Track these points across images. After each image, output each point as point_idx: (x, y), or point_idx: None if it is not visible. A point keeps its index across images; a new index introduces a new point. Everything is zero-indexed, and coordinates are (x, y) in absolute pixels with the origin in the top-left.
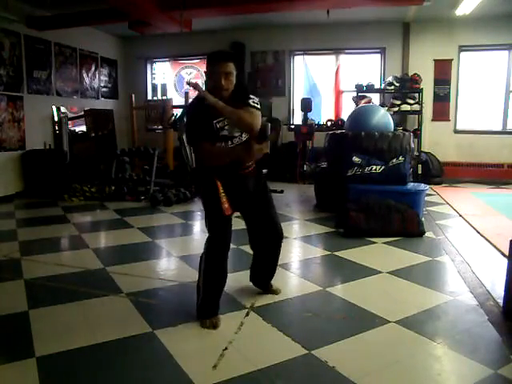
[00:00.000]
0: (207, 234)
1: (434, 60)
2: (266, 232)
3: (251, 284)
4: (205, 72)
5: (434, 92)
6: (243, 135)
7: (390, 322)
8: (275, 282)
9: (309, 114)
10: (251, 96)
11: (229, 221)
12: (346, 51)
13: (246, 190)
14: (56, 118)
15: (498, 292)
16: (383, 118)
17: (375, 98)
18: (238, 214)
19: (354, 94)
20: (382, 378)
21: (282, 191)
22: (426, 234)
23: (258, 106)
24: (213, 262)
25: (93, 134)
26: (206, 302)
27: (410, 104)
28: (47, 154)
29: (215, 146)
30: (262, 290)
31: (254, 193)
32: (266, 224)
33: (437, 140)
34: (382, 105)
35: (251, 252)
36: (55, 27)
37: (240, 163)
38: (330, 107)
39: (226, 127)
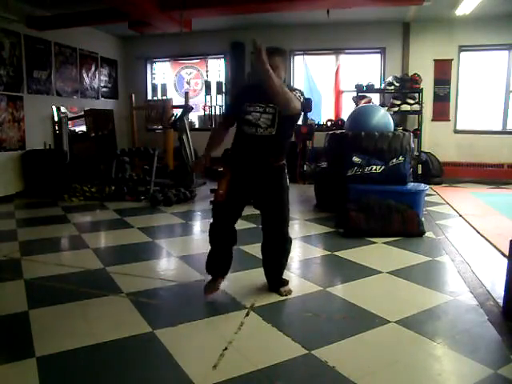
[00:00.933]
0: (207, 234)
1: (434, 60)
2: (268, 234)
3: (251, 284)
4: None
5: (434, 92)
6: (269, 130)
7: (390, 322)
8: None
9: (309, 114)
10: (297, 89)
11: (226, 207)
12: (346, 51)
13: (258, 185)
14: (56, 118)
15: (498, 292)
16: (383, 118)
17: (375, 98)
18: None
19: (354, 94)
20: (382, 378)
21: None
22: (426, 234)
23: (301, 99)
24: (212, 238)
25: (93, 134)
26: (209, 259)
27: (410, 104)
28: (47, 154)
29: (242, 129)
30: (272, 287)
31: (267, 190)
32: (270, 227)
33: (437, 140)
34: (382, 105)
35: (251, 252)
36: (55, 27)
37: (261, 157)
38: (330, 107)
39: (254, 114)
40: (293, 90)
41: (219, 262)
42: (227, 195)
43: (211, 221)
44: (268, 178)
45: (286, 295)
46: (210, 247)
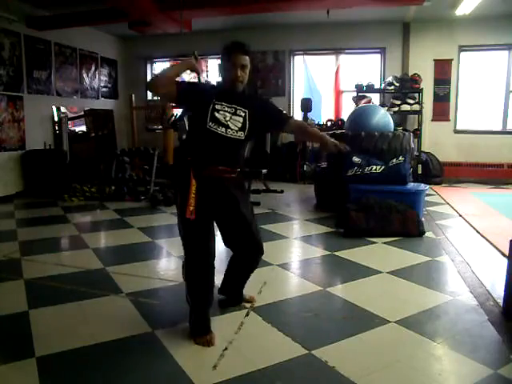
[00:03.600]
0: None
1: (434, 60)
2: (246, 247)
3: (251, 284)
4: (219, 64)
5: (434, 92)
6: (239, 133)
7: (390, 321)
8: (273, 280)
9: (309, 113)
10: (281, 109)
11: (201, 227)
12: (346, 51)
13: (225, 198)
14: (56, 118)
15: (498, 292)
16: (383, 117)
17: (375, 98)
18: None
19: (354, 93)
20: (382, 378)
21: (282, 191)
22: (426, 234)
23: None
24: (195, 277)
25: (93, 134)
26: (197, 319)
27: (410, 104)
28: (47, 153)
29: (209, 129)
30: (234, 301)
31: (234, 203)
32: (247, 240)
33: (437, 140)
34: (382, 105)
35: None
36: (55, 27)
37: (228, 163)
38: (330, 107)
39: (222, 112)
40: (273, 107)
41: (207, 310)
42: (197, 211)
43: (186, 257)
44: (236, 189)
45: (255, 300)
46: (193, 301)
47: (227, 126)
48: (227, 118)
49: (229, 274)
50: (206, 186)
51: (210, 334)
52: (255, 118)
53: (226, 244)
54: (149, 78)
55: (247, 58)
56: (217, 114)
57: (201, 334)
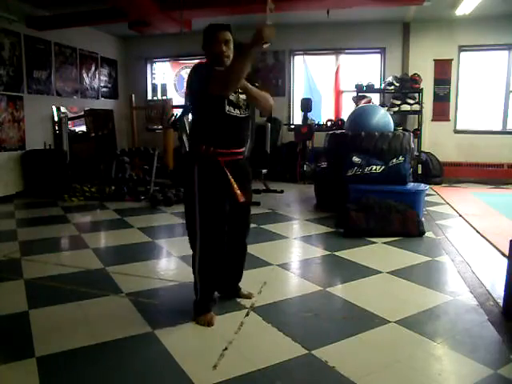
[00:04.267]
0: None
1: (434, 60)
2: (236, 240)
3: (251, 284)
4: (203, 47)
5: (434, 92)
6: (248, 110)
7: (390, 321)
8: (273, 280)
9: (309, 114)
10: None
11: (223, 208)
12: (346, 51)
13: (242, 177)
14: (56, 118)
15: (498, 292)
16: (383, 117)
17: (375, 98)
18: None
19: (354, 94)
20: (381, 378)
21: (282, 191)
22: (426, 234)
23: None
24: (210, 265)
25: (93, 134)
26: (202, 299)
27: (410, 104)
28: (47, 153)
29: (228, 114)
30: (231, 295)
31: (248, 182)
32: (236, 235)
33: (437, 140)
34: (382, 105)
35: (251, 252)
36: (55, 27)
37: (241, 144)
38: (330, 107)
39: (235, 95)
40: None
41: (214, 291)
42: (216, 199)
43: (206, 244)
44: (248, 171)
45: (252, 296)
46: (201, 279)
47: (240, 107)
48: (238, 99)
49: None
50: (229, 169)
51: (211, 313)
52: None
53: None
54: (149, 78)
55: (228, 33)
56: (231, 97)
57: (203, 312)
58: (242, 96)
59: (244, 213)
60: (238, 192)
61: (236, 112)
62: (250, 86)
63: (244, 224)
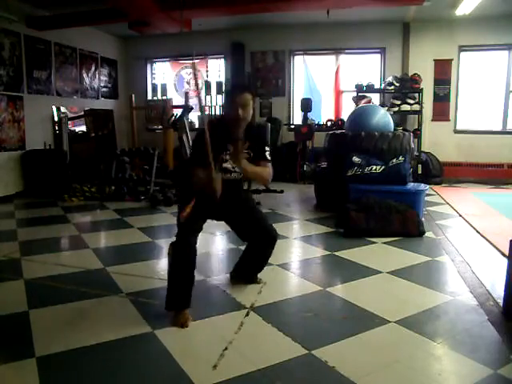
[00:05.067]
0: (203, 234)
1: (434, 60)
2: (258, 236)
3: (251, 284)
4: (223, 104)
5: (434, 92)
6: (241, 173)
7: (390, 321)
8: (273, 280)
9: (309, 114)
10: (267, 148)
11: (193, 227)
12: (346, 51)
13: (226, 202)
14: (56, 118)
15: (498, 292)
16: (383, 117)
17: (375, 98)
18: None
19: (354, 94)
20: (381, 378)
21: (281, 191)
22: (426, 234)
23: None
24: (178, 263)
25: (93, 134)
26: (171, 294)
27: (410, 104)
28: (47, 153)
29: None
30: (246, 281)
31: (235, 204)
32: (256, 229)
33: (437, 140)
34: (382, 105)
35: None
36: (55, 27)
37: (231, 197)
38: (330, 107)
39: (230, 161)
40: (265, 150)
41: (188, 288)
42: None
43: (175, 239)
44: (238, 202)
45: (262, 282)
46: (172, 276)
47: (234, 171)
48: (234, 165)
49: (245, 260)
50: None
51: (186, 312)
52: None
53: (242, 239)
54: (149, 78)
55: (248, 95)
56: (225, 165)
57: (177, 308)
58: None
59: (246, 222)
60: (187, 211)
61: (227, 176)
62: (249, 167)
63: (253, 229)
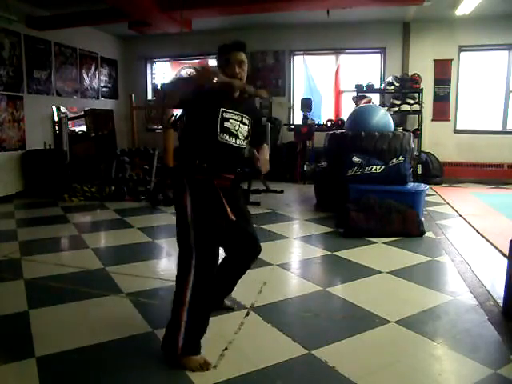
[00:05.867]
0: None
1: (434, 60)
2: (245, 247)
3: (251, 284)
4: (218, 67)
5: (434, 92)
6: (246, 141)
7: (390, 321)
8: (273, 280)
9: (309, 113)
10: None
11: (218, 233)
12: (346, 51)
13: (237, 203)
14: (56, 118)
15: (498, 292)
16: (383, 117)
17: (375, 98)
18: None
19: (354, 93)
20: (381, 378)
21: (282, 191)
22: (426, 234)
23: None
24: (205, 294)
25: (93, 134)
26: (192, 337)
27: (410, 104)
28: (47, 153)
29: (220, 141)
30: (214, 308)
31: (238, 205)
32: (247, 239)
33: (437, 140)
34: (382, 105)
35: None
36: (55, 27)
37: (233, 170)
38: (330, 107)
39: (232, 121)
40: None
41: (205, 327)
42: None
43: (201, 269)
44: (240, 190)
45: (235, 306)
46: (192, 315)
47: (237, 136)
48: (236, 128)
49: (221, 280)
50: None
51: (202, 355)
52: (252, 124)
53: (226, 250)
54: (149, 78)
55: (243, 54)
56: (226, 124)
57: (195, 352)
58: (244, 128)
59: (248, 237)
60: (229, 210)
61: (232, 140)
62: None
63: (251, 248)
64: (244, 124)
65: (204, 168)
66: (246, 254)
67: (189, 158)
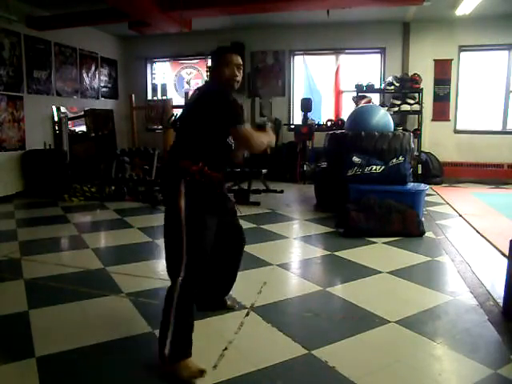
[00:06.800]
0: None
1: (434, 60)
2: (232, 238)
3: (251, 284)
4: (209, 66)
5: (434, 92)
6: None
7: (390, 321)
8: (273, 280)
9: (309, 113)
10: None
11: (206, 253)
12: (346, 51)
13: (223, 198)
14: (56, 118)
15: (498, 292)
16: (383, 117)
17: (375, 98)
18: None
19: (354, 94)
20: (382, 378)
21: (281, 191)
22: (426, 234)
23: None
24: (188, 308)
25: (93, 134)
26: (183, 338)
27: (410, 104)
28: (47, 153)
29: (227, 143)
30: (215, 308)
31: (227, 201)
32: (232, 230)
33: (437, 140)
34: (382, 105)
35: (251, 252)
36: (55, 27)
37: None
38: (330, 107)
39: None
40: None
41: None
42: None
43: (188, 283)
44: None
45: (236, 306)
46: (178, 319)
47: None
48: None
49: (215, 279)
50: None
51: (192, 361)
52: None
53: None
54: (149, 78)
55: (240, 58)
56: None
57: (186, 355)
58: None
59: (235, 228)
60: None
61: (232, 141)
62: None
63: (238, 238)
64: None
65: (204, 168)
66: (234, 244)
67: (190, 158)
